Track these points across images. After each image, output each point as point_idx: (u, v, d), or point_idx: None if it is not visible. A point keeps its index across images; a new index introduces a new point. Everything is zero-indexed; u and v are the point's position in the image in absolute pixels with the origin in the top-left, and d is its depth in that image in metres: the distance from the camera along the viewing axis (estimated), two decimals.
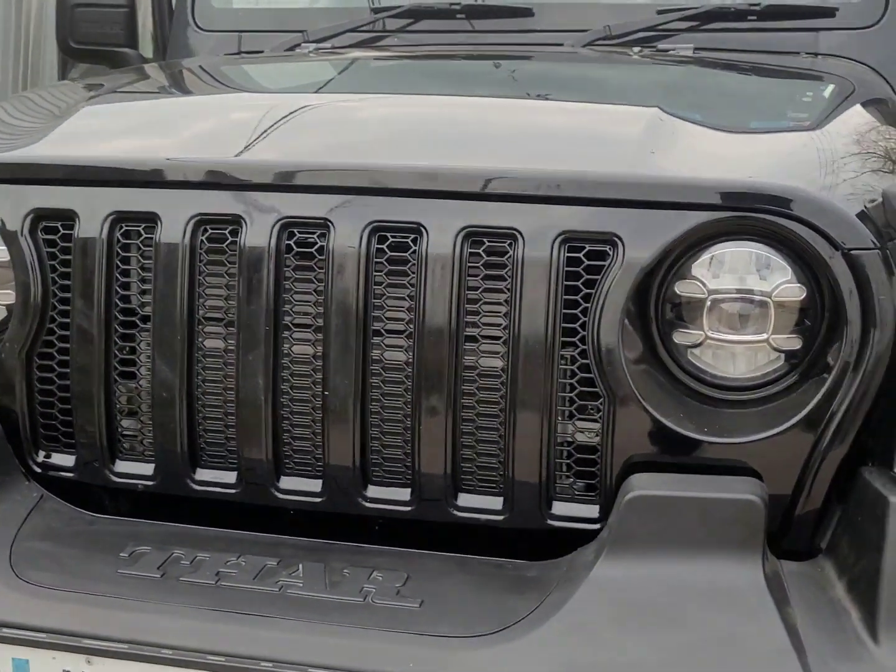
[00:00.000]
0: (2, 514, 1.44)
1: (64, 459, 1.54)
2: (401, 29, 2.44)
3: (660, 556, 1.23)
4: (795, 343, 1.33)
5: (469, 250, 1.35)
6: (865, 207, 1.32)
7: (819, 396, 1.30)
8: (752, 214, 1.29)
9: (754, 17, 2.31)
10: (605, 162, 1.38)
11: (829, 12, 2.33)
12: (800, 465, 1.32)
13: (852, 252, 1.27)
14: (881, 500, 1.21)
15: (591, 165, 1.37)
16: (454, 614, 1.23)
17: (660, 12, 2.31)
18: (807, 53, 2.33)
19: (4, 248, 1.51)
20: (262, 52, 2.48)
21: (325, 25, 2.46)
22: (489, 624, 1.21)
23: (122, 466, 1.51)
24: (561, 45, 2.29)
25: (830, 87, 2.03)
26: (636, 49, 2.19)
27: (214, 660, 1.21)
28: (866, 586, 1.19)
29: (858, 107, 1.86)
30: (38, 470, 1.55)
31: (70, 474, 1.53)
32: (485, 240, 1.35)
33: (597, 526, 1.34)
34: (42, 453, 1.55)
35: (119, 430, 1.51)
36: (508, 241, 1.33)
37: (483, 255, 1.35)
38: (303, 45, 2.41)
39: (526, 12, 2.37)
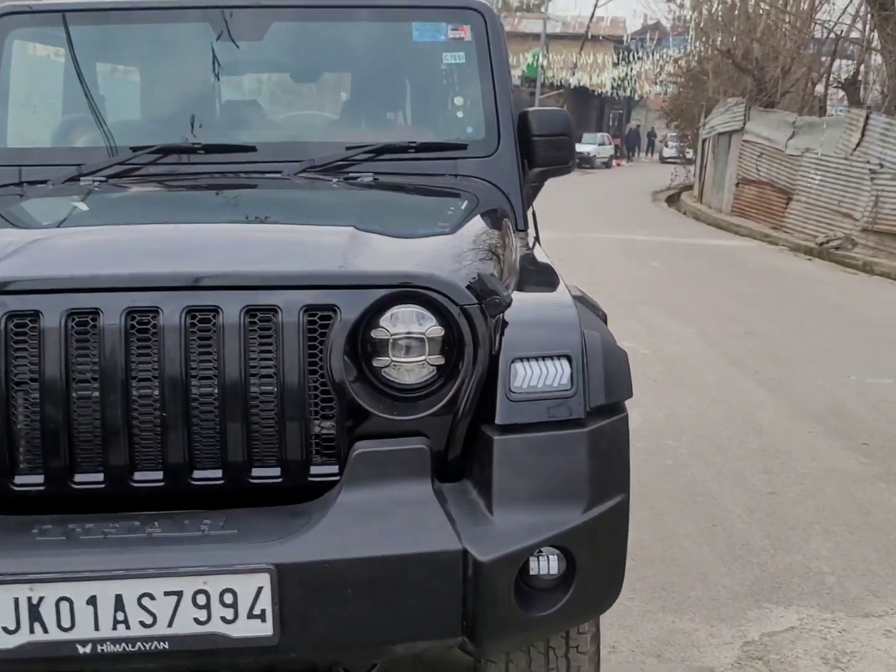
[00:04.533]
0: None
1: None
2: (154, 162, 3.19)
3: (374, 485, 2.04)
4: (441, 361, 2.08)
5: (248, 320, 2.05)
6: (471, 281, 2.16)
7: (454, 390, 2.08)
8: (408, 289, 2.06)
9: (413, 150, 3.22)
10: (326, 263, 2.16)
11: (463, 147, 3.30)
12: (447, 428, 2.12)
13: (465, 307, 2.07)
14: (489, 439, 2.09)
15: (319, 266, 2.15)
16: (260, 533, 1.99)
17: (348, 148, 3.21)
18: (450, 175, 3.23)
19: None
20: (46, 181, 3.13)
21: (92, 161, 3.16)
22: (283, 534, 1.98)
23: (19, 480, 2.07)
24: (280, 172, 3.13)
25: (463, 202, 2.94)
26: (335, 180, 3.05)
27: (116, 573, 1.90)
28: (486, 488, 2.07)
29: (478, 217, 2.77)
30: None
31: None
32: (258, 313, 2.04)
33: (338, 477, 2.07)
34: None
35: (17, 454, 2.07)
36: (273, 312, 2.03)
37: (257, 322, 2.03)
38: (81, 178, 3.09)
39: (251, 149, 3.21)
